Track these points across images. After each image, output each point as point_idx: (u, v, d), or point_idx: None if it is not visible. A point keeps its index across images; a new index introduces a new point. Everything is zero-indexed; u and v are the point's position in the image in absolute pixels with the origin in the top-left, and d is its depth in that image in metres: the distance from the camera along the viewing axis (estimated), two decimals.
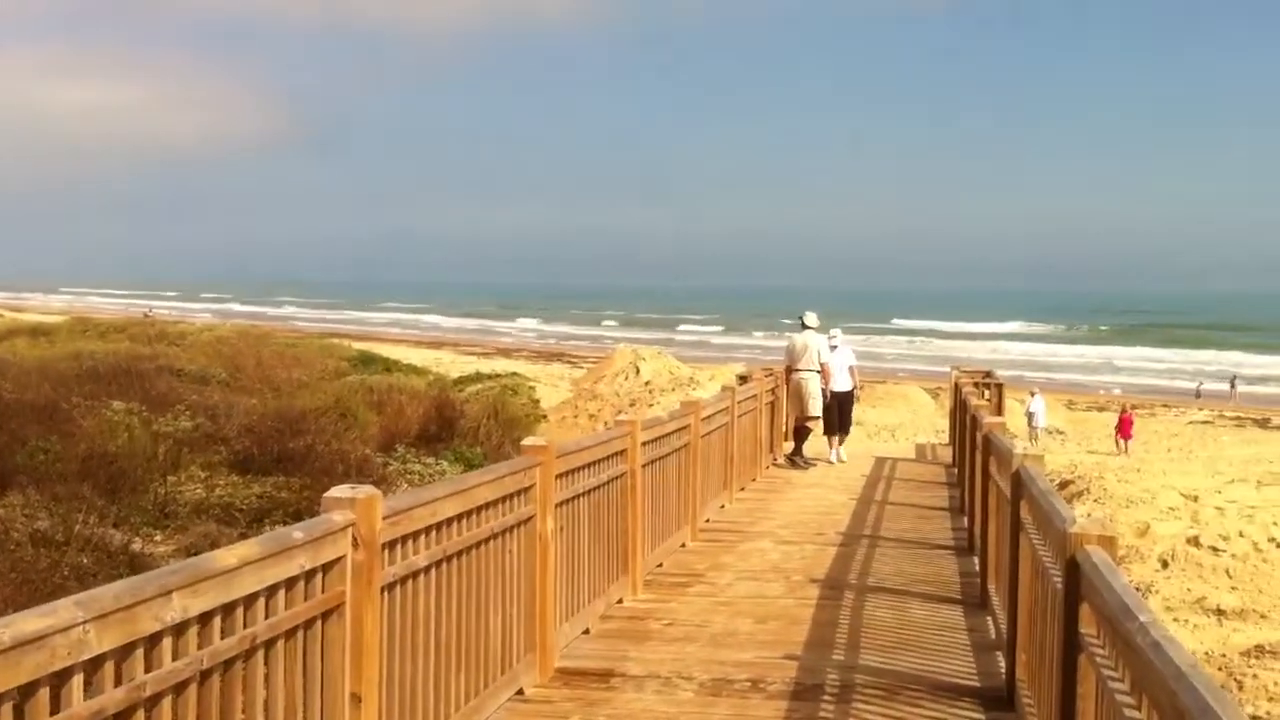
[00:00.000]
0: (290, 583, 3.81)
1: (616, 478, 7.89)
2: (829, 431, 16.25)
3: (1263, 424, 47.94)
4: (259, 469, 13.08)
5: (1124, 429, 32.17)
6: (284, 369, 24.92)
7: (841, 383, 16.03)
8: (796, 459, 15.87)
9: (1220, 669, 9.35)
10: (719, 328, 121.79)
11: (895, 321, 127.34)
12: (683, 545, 10.19)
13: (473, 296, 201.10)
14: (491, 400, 21.24)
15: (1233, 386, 63.24)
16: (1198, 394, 61.87)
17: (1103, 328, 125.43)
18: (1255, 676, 9.18)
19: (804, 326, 15.96)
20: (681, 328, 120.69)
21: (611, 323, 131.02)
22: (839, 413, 16.15)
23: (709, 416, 11.40)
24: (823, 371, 15.72)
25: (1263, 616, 11.28)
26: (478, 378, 29.70)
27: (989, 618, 7.64)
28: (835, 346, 16.23)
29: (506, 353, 76.91)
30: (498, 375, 31.18)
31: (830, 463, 16.08)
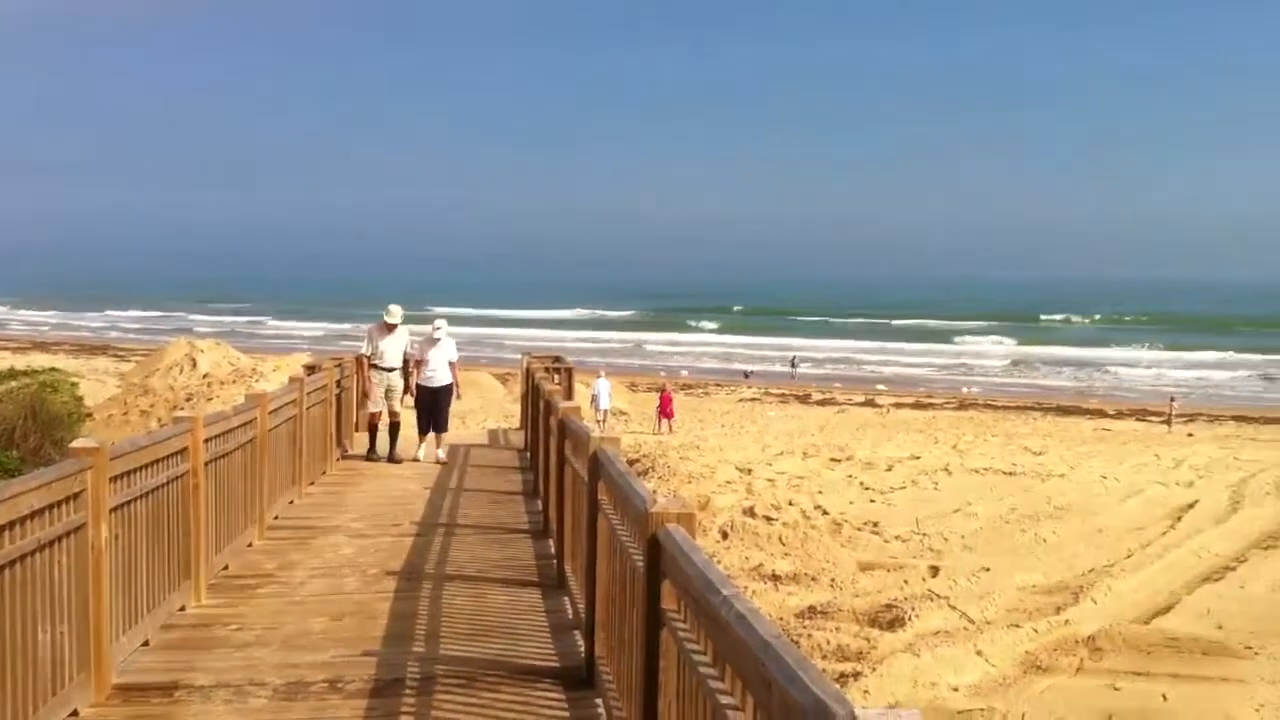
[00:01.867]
0: None
1: (177, 478, 7.38)
2: (422, 430, 15.56)
3: (804, 400, 51.96)
4: None
5: (664, 408, 33.50)
6: None
7: (440, 377, 15.30)
8: (371, 453, 15.36)
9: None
10: (266, 316, 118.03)
11: (430, 309, 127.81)
12: (250, 545, 9.69)
13: None
14: (28, 399, 19.49)
15: (794, 366, 68.63)
16: (746, 375, 66.37)
17: (644, 313, 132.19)
18: (810, 636, 9.83)
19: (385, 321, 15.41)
20: (195, 316, 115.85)
21: (114, 311, 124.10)
22: (434, 409, 15.42)
23: (276, 409, 10.91)
24: (418, 366, 15.22)
25: (813, 579, 12.12)
26: (11, 374, 27.23)
27: (566, 598, 7.73)
28: (439, 339, 15.42)
29: (43, 347, 71.24)
30: (34, 371, 28.70)
31: (417, 460, 15.02)
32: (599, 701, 5.84)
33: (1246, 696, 8.68)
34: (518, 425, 19.65)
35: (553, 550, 9.10)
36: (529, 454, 14.85)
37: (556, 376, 17.90)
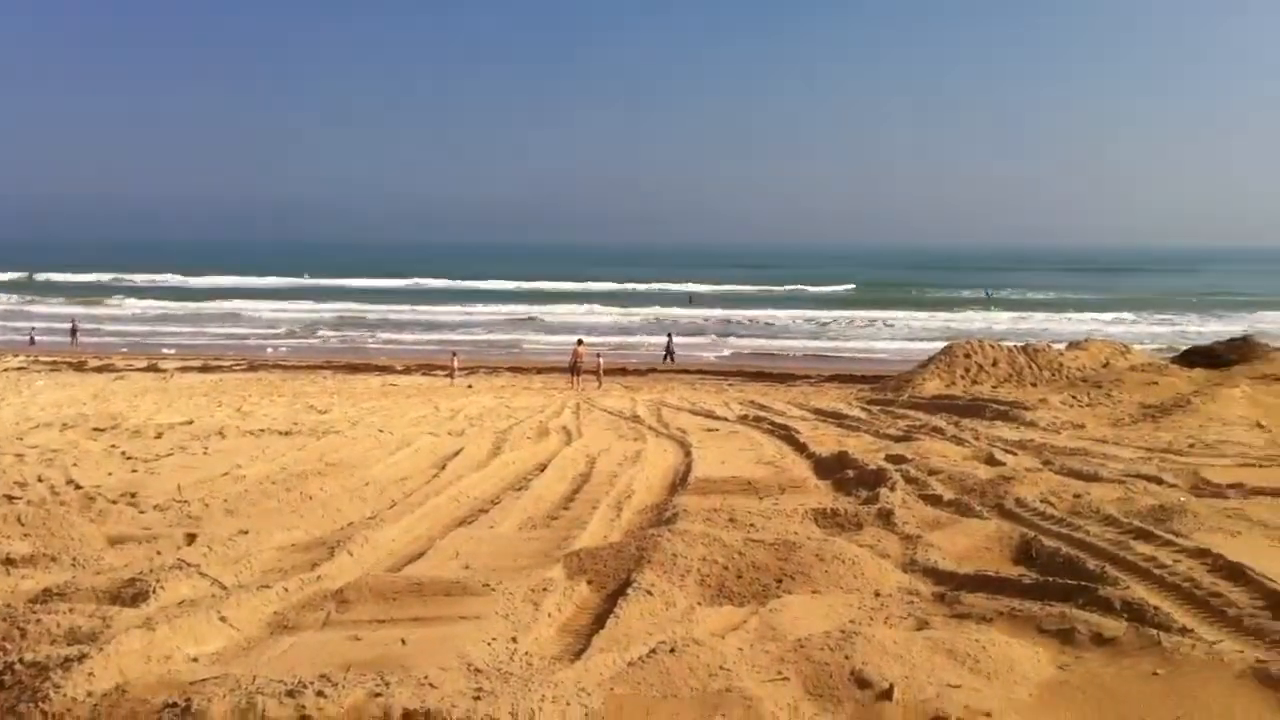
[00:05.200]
0: None
1: None
2: None
3: (80, 368, 48.64)
4: None
5: None
6: None
7: None
8: None
9: (5, 620, 9.04)
10: None
11: None
12: None
13: None
14: None
15: (73, 334, 64.34)
16: (32, 341, 62.00)
17: None
18: (39, 621, 9.02)
19: None
20: None
21: None
22: None
23: None
24: None
25: (53, 560, 11.21)
26: None
27: None
28: None
29: None
30: None
31: None
32: None
33: (481, 632, 9.14)
34: None
35: None
36: None
37: None
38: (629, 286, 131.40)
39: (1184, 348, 48.26)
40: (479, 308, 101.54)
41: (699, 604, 10.42)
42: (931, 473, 16.88)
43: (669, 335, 63.02)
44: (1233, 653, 7.73)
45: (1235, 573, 9.85)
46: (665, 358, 58.18)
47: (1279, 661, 7.50)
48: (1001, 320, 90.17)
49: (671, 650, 8.25)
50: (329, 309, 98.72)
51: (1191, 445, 21.59)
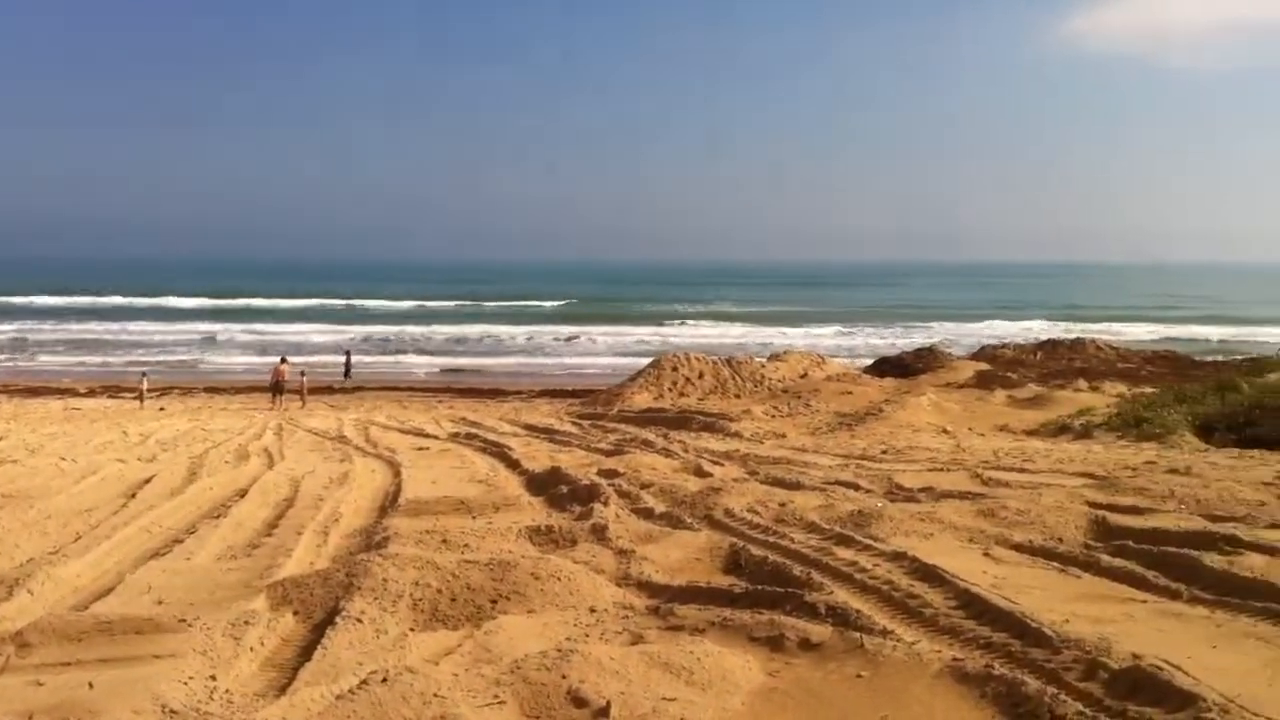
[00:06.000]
0: None
1: None
2: None
3: None
4: None
5: None
6: None
7: None
8: None
9: None
10: None
11: None
12: None
13: None
14: None
15: None
16: None
17: None
18: None
19: None
20: None
21: None
22: None
23: None
24: None
25: None
26: None
27: None
28: None
29: None
30: None
31: None
32: None
33: (177, 671, 8.58)
34: None
35: None
36: None
37: None
38: (334, 303, 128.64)
39: (876, 358, 50.92)
40: (167, 325, 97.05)
41: (412, 630, 10.13)
42: (643, 486, 17.08)
43: (347, 353, 61.95)
44: (931, 652, 8.05)
45: (930, 574, 10.32)
46: (344, 375, 57.17)
47: (974, 659, 7.88)
48: (709, 334, 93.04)
49: (383, 680, 7.95)
50: None
51: (884, 452, 22.70)
